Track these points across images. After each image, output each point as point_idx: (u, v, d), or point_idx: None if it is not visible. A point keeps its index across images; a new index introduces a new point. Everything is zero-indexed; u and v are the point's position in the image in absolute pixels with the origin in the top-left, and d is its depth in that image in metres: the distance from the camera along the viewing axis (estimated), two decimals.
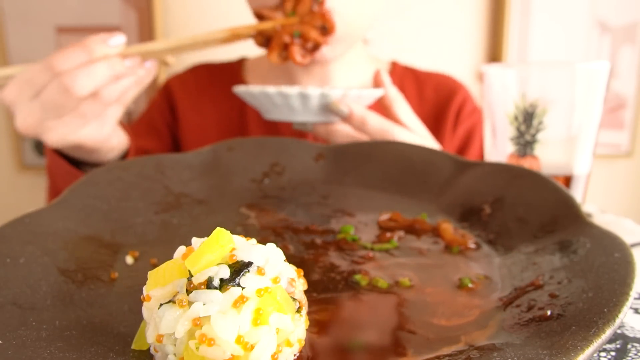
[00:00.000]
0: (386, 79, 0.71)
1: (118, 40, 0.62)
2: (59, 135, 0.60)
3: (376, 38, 1.01)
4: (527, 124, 0.57)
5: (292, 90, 0.63)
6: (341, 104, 0.64)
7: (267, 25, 0.69)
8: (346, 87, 0.77)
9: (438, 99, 0.95)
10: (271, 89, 0.64)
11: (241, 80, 0.96)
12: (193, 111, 0.96)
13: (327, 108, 0.65)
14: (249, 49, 1.02)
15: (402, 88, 0.95)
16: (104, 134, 0.64)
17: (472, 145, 0.94)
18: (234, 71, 0.98)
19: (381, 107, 0.71)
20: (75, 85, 0.57)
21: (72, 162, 0.71)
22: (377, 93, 0.68)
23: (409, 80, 0.97)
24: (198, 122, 0.95)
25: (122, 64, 0.60)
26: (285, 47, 0.71)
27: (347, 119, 0.65)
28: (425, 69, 1.01)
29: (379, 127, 0.65)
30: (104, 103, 0.60)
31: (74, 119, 0.60)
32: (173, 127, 0.97)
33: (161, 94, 0.99)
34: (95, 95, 0.59)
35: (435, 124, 0.93)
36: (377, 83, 0.72)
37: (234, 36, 0.67)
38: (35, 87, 0.59)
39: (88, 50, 0.59)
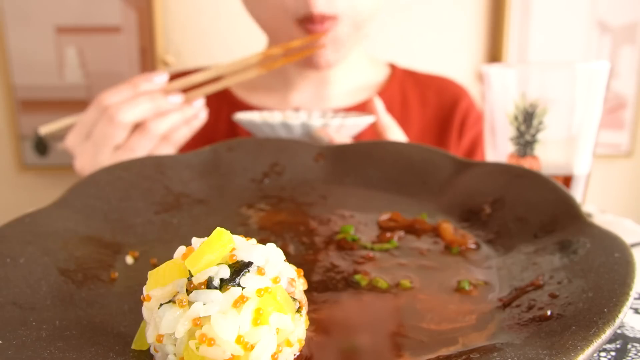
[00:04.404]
0: (379, 106, 0.71)
1: (161, 78, 0.67)
2: None
3: (375, 36, 1.01)
4: (527, 124, 0.57)
5: (275, 120, 0.67)
6: (322, 133, 0.66)
7: (297, 43, 0.73)
8: (338, 112, 0.78)
9: (441, 105, 0.94)
10: (257, 119, 0.67)
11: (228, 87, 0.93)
12: None
13: (311, 137, 0.67)
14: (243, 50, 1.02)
15: (403, 92, 0.94)
16: None
17: (477, 155, 0.93)
18: None
19: (375, 134, 0.71)
20: (119, 114, 0.62)
21: None
22: (361, 121, 0.68)
23: (410, 84, 0.96)
24: None
25: (164, 98, 0.65)
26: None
27: None
28: (424, 71, 1.00)
29: None
30: (151, 137, 0.64)
31: (124, 153, 0.64)
32: None
33: None
34: (143, 129, 0.64)
35: (439, 132, 0.93)
36: (370, 110, 0.72)
37: (267, 57, 0.71)
38: (87, 126, 0.64)
39: (133, 86, 0.64)
